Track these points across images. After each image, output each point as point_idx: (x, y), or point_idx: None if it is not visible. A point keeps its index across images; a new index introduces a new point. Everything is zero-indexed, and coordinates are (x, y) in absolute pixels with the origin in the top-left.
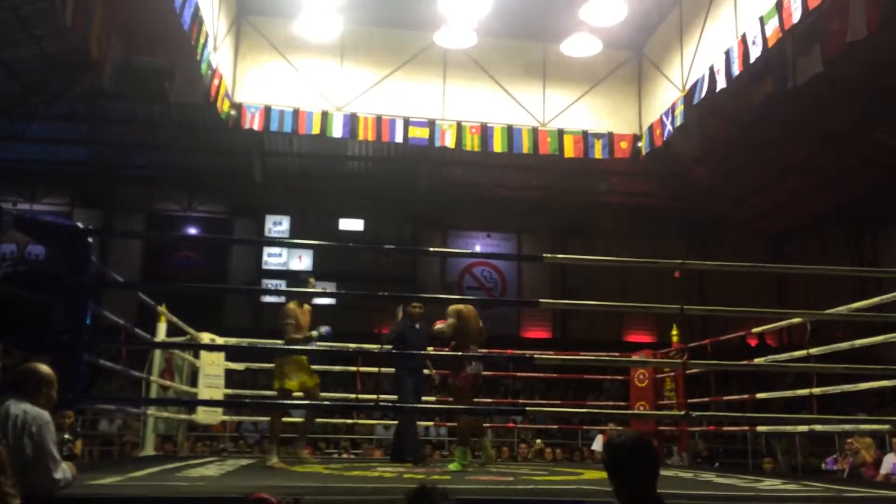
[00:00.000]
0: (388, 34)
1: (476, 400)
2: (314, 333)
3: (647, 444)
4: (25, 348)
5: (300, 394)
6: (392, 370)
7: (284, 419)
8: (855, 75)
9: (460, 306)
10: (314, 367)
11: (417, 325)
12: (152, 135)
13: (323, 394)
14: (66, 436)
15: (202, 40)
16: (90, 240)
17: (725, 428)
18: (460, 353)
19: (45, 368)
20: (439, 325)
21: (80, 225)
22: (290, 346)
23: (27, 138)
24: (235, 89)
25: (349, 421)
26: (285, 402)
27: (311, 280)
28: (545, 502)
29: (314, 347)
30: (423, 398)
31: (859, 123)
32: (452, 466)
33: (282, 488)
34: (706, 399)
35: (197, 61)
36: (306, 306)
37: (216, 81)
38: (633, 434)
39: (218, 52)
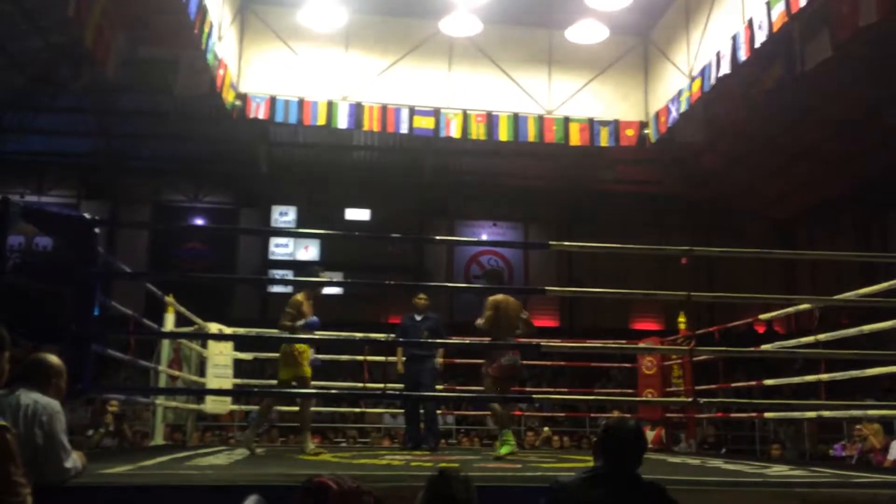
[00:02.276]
0: (392, 22)
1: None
2: (299, 323)
3: (639, 430)
4: (34, 339)
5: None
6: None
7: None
8: (864, 60)
9: (498, 297)
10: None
11: (419, 317)
12: (158, 126)
13: (331, 383)
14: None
15: (207, 30)
16: (97, 230)
17: (733, 415)
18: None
19: (54, 358)
20: (478, 322)
21: (87, 216)
22: (286, 335)
23: (34, 130)
24: (240, 79)
25: (357, 410)
26: (289, 391)
27: (322, 272)
28: None
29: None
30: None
31: (868, 108)
32: (504, 450)
33: (288, 477)
34: (714, 386)
35: (202, 51)
36: (310, 301)
37: (221, 72)
38: (630, 421)
39: (222, 42)
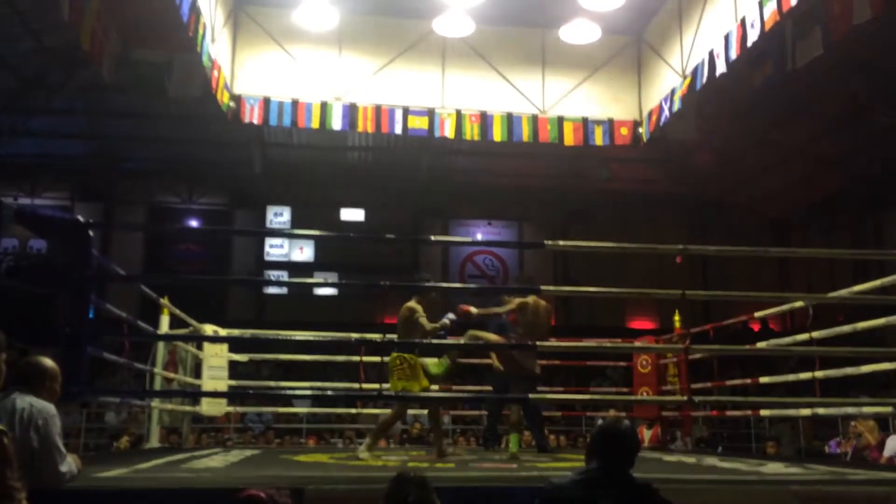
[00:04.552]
0: (386, 23)
1: (480, 388)
2: (446, 322)
3: (632, 431)
4: (29, 342)
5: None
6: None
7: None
8: (856, 58)
9: (527, 299)
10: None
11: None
12: (152, 128)
13: (327, 384)
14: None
15: (201, 32)
16: (91, 233)
17: (728, 413)
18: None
19: (48, 362)
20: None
21: (80, 218)
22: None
23: (27, 133)
24: (234, 81)
25: (353, 411)
26: (289, 393)
27: (428, 277)
28: None
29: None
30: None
31: (861, 106)
32: (512, 449)
33: (283, 478)
34: (709, 384)
35: (196, 53)
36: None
37: (215, 73)
38: (623, 421)
39: (216, 43)
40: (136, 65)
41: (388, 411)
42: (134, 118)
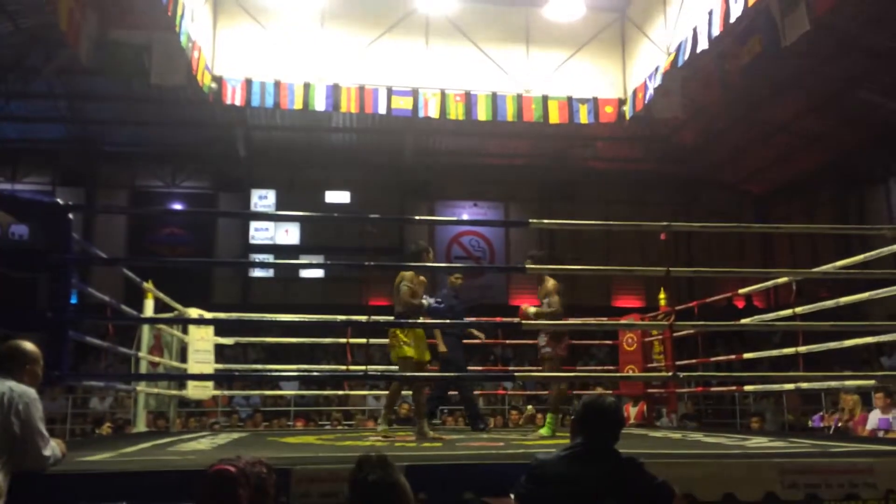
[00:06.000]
0: (367, 1)
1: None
2: (424, 302)
3: (616, 406)
4: (10, 327)
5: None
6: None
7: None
8: (841, 35)
9: (556, 282)
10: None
11: (458, 298)
12: (133, 111)
13: (314, 366)
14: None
15: (179, 11)
16: (70, 216)
17: (713, 389)
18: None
19: (28, 345)
20: (534, 309)
21: (60, 201)
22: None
23: (5, 117)
24: (215, 61)
25: (340, 392)
26: (276, 374)
27: (429, 253)
28: None
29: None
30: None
31: (845, 83)
32: (543, 431)
33: (271, 460)
34: (694, 361)
35: (175, 34)
36: (422, 277)
37: (195, 54)
38: (607, 397)
39: (195, 23)
40: (114, 46)
41: (374, 392)
42: (115, 101)
